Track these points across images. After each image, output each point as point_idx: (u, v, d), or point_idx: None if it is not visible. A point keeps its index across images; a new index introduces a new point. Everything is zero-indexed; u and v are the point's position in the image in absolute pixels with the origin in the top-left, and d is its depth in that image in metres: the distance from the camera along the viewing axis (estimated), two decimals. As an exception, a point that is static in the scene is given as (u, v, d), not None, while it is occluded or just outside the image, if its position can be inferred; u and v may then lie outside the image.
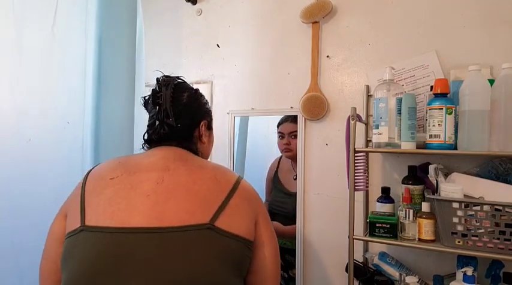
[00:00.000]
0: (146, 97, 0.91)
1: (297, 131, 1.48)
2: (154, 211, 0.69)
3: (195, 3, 1.73)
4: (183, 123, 0.86)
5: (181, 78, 0.91)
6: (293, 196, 1.48)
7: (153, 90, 0.86)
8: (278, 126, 1.57)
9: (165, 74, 0.89)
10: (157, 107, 0.85)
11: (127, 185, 0.73)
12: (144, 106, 0.92)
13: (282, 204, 1.55)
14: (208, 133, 0.95)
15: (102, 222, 0.68)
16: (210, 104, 1.67)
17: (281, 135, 1.55)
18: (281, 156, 1.60)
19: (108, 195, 0.71)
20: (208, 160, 0.96)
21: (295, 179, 1.48)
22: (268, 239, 0.80)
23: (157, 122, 0.85)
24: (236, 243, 0.71)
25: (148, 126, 0.89)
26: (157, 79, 0.88)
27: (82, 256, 0.67)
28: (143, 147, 0.90)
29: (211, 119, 0.98)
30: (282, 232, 1.49)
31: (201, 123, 0.92)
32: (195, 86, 1.72)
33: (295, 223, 1.47)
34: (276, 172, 1.60)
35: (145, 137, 0.88)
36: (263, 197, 1.61)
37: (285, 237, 1.49)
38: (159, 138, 0.86)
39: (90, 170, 0.82)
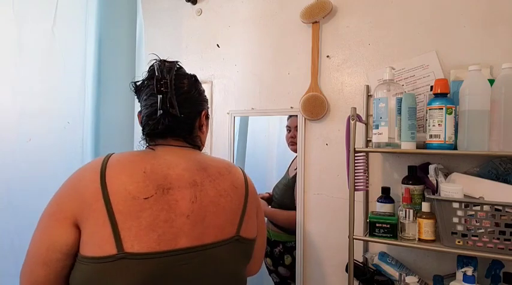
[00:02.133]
0: (138, 83, 0.84)
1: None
2: (195, 231, 0.73)
3: (195, 3, 1.73)
4: (185, 112, 0.81)
5: (179, 63, 0.84)
6: (292, 178, 1.53)
7: (156, 76, 0.78)
8: (287, 120, 1.57)
9: (161, 58, 0.82)
10: (161, 95, 0.77)
11: (165, 207, 0.70)
12: (136, 92, 0.85)
13: (281, 188, 1.58)
14: (206, 122, 0.91)
15: (148, 248, 0.66)
16: (209, 103, 1.70)
17: (288, 129, 1.56)
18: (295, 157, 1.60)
19: (148, 219, 0.67)
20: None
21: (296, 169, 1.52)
22: (262, 229, 0.92)
23: (159, 112, 0.78)
24: (251, 245, 0.86)
25: (147, 116, 0.81)
26: (158, 64, 0.80)
27: (129, 283, 0.65)
28: (146, 140, 0.83)
29: (208, 107, 0.93)
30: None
31: (202, 113, 0.87)
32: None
33: (293, 208, 1.51)
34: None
35: (147, 129, 0.81)
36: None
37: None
38: (163, 130, 0.80)
39: (104, 175, 0.69)
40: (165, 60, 0.82)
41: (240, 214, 0.81)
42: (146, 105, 0.82)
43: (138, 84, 0.85)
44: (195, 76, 0.88)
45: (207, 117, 0.90)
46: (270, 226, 1.58)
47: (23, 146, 1.17)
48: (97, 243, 0.65)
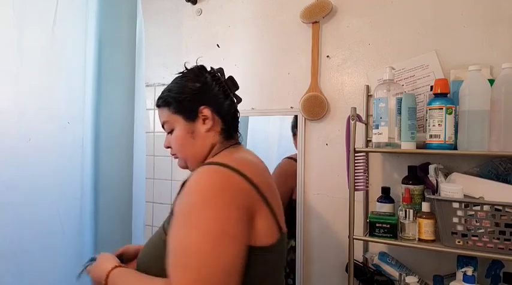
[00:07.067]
0: (199, 85, 0.99)
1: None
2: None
3: (195, 3, 1.73)
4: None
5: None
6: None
7: (223, 79, 1.01)
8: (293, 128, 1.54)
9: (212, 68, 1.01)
10: (237, 99, 1.03)
11: (276, 193, 0.82)
12: (200, 91, 0.96)
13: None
14: None
15: (284, 229, 0.81)
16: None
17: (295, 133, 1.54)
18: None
19: (278, 203, 0.80)
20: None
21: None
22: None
23: (238, 114, 1.00)
24: None
25: (232, 117, 1.00)
26: (220, 70, 1.03)
27: (281, 263, 0.82)
28: (226, 137, 0.97)
29: None
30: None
31: None
32: (195, 86, 1.74)
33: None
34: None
35: (232, 129, 0.99)
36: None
37: None
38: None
39: (243, 174, 0.73)
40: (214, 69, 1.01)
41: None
42: (224, 107, 0.97)
43: (199, 85, 0.96)
44: None
45: None
46: None
47: (23, 146, 1.17)
48: (269, 234, 0.74)
